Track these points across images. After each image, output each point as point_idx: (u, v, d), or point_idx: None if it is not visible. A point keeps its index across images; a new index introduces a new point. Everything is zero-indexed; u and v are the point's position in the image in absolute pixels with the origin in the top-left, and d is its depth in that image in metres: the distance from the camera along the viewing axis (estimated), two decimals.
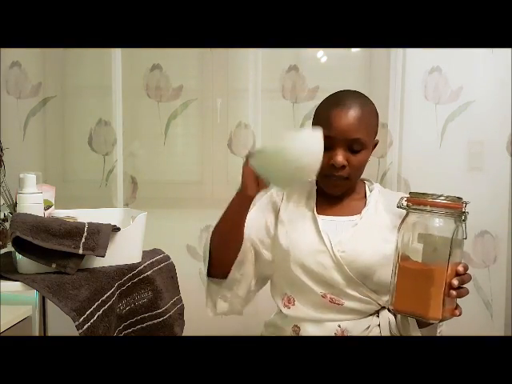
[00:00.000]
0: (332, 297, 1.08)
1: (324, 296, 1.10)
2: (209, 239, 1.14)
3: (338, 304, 1.08)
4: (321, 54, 1.81)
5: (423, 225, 0.88)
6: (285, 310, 1.13)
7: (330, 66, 1.81)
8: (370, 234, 1.12)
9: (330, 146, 1.08)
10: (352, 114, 1.08)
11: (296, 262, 1.11)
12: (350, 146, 1.09)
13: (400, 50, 1.72)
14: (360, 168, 1.13)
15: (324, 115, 1.11)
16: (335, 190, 1.16)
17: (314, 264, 1.09)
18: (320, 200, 1.19)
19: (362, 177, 1.23)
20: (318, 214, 1.15)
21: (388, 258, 1.07)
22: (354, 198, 1.19)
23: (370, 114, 1.12)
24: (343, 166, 1.10)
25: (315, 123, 1.14)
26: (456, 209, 0.84)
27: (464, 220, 0.86)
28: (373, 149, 1.17)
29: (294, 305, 1.13)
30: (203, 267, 1.83)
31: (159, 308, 1.15)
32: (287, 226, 1.16)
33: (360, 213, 1.15)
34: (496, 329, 1.80)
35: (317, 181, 1.22)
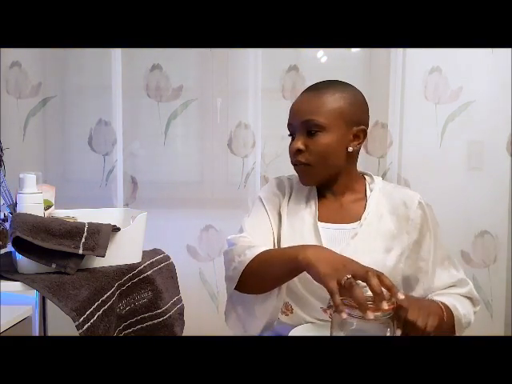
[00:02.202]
0: (332, 312, 1.04)
1: (325, 311, 1.06)
2: (242, 264, 1.02)
3: None
4: (321, 54, 1.81)
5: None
6: (282, 317, 1.10)
7: (329, 66, 1.81)
8: (371, 245, 1.07)
9: (291, 133, 1.12)
10: (307, 97, 1.08)
11: None
12: (306, 129, 1.07)
13: (400, 50, 1.73)
14: (321, 153, 1.06)
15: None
16: (303, 180, 1.13)
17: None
18: (319, 203, 1.14)
19: (363, 171, 1.19)
20: (318, 221, 1.11)
21: (389, 267, 1.05)
22: (353, 199, 1.13)
23: (340, 99, 1.06)
24: (299, 151, 1.08)
25: None
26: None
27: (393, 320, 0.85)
28: (356, 139, 1.09)
29: (292, 312, 1.10)
30: (204, 268, 1.84)
31: (159, 308, 1.15)
32: (287, 232, 1.11)
33: (360, 219, 1.10)
34: (496, 329, 1.81)
35: None
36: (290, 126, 1.12)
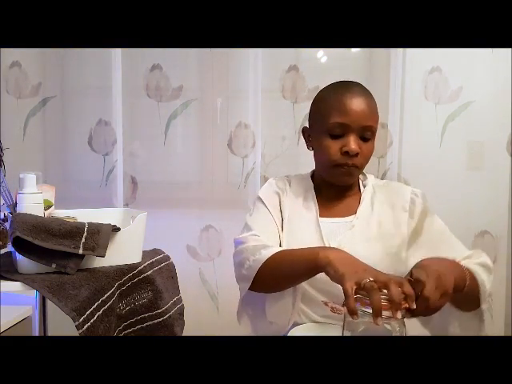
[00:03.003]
0: (333, 306, 1.02)
1: (326, 304, 1.07)
2: (257, 263, 1.01)
3: (339, 313, 0.99)
4: (321, 54, 1.81)
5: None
6: None
7: (329, 66, 1.81)
8: (368, 236, 1.10)
9: (342, 132, 1.07)
10: (365, 100, 1.07)
11: None
12: (362, 134, 1.07)
13: (400, 50, 1.73)
14: (368, 157, 1.11)
15: (335, 101, 1.08)
16: (345, 180, 1.12)
17: None
18: (317, 199, 1.16)
19: None
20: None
21: (387, 257, 1.07)
22: (349, 194, 1.17)
23: (376, 105, 1.11)
24: (356, 154, 1.07)
25: (321, 110, 1.10)
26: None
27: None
28: None
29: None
30: (204, 268, 1.83)
31: (159, 308, 1.15)
32: (287, 227, 1.13)
33: (355, 212, 1.13)
34: (496, 329, 1.81)
35: (312, 177, 1.20)
36: (341, 125, 1.07)
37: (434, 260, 0.96)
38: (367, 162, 1.12)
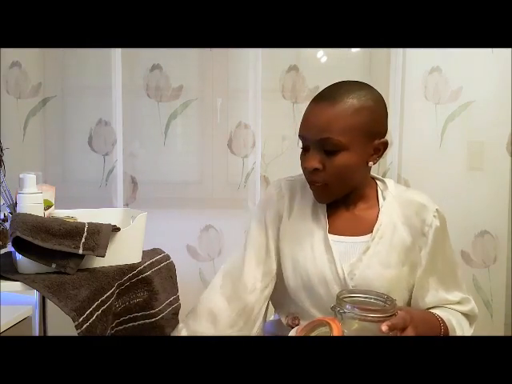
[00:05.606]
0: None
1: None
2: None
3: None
4: (321, 54, 1.81)
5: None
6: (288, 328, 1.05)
7: (329, 66, 1.81)
8: (384, 260, 1.00)
9: (305, 146, 0.98)
10: (323, 109, 0.95)
11: (303, 289, 1.03)
12: (324, 147, 0.95)
13: (400, 50, 1.73)
14: (341, 173, 0.96)
15: (306, 109, 0.99)
16: (319, 199, 1.03)
17: (323, 293, 1.01)
18: (328, 213, 1.05)
19: (373, 174, 1.10)
20: (328, 233, 1.02)
21: (401, 281, 1.01)
22: (365, 207, 1.05)
23: (361, 110, 0.95)
24: (316, 170, 0.96)
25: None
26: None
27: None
28: (377, 152, 1.00)
29: (297, 325, 1.03)
30: (204, 268, 1.83)
31: (153, 309, 1.15)
32: (296, 243, 1.04)
33: (371, 231, 1.01)
34: (496, 329, 1.81)
35: None
36: (302, 138, 0.99)
37: (420, 315, 0.97)
38: (341, 177, 0.97)
